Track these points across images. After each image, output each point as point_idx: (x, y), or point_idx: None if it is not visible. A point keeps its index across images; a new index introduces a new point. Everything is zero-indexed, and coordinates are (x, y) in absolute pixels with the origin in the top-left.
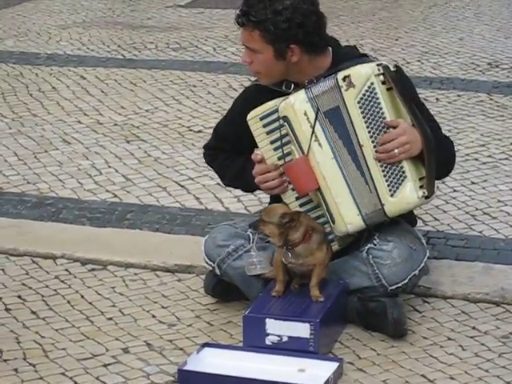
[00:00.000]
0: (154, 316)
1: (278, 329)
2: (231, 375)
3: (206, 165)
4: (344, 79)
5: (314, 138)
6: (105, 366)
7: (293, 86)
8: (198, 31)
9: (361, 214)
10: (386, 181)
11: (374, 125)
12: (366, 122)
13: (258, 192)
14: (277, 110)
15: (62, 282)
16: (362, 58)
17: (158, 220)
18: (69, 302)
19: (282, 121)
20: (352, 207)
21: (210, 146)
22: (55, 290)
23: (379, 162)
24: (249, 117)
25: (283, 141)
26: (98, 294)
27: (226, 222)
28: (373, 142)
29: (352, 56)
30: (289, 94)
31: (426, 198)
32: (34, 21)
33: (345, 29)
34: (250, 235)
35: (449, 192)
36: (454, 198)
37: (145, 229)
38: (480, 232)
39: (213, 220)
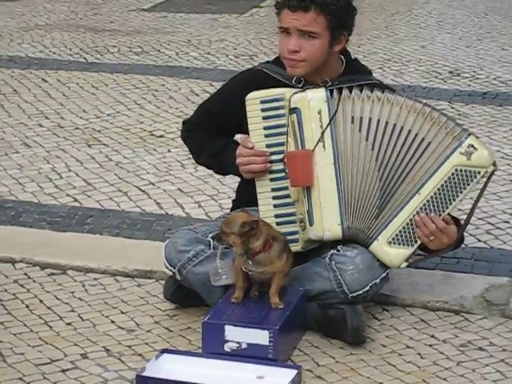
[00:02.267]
0: (113, 321)
1: (237, 335)
2: (190, 382)
3: (166, 170)
4: (469, 146)
5: (320, 139)
6: (63, 371)
7: (303, 81)
8: (161, 35)
9: (342, 225)
10: (400, 231)
11: (445, 197)
12: (441, 186)
13: (218, 198)
14: (281, 99)
15: (21, 286)
16: (370, 77)
17: (118, 225)
18: (27, 306)
19: (287, 111)
20: (335, 216)
21: (190, 122)
22: (14, 295)
23: (414, 223)
24: (249, 96)
25: (279, 130)
26: (57, 298)
27: (187, 227)
28: (433, 201)
29: (362, 70)
30: (293, 87)
31: (398, 267)
32: None
33: None
34: (211, 240)
35: None
36: None
37: (105, 233)
38: None
39: (173, 225)
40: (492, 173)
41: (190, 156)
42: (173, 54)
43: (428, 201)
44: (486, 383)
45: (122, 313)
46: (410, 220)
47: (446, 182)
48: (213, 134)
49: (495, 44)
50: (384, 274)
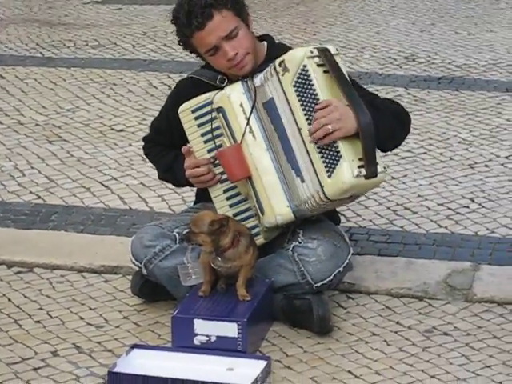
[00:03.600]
0: (81, 318)
1: (206, 329)
2: (161, 376)
3: (128, 164)
4: (280, 64)
5: (248, 130)
6: (35, 369)
7: (226, 80)
8: (117, 28)
9: (290, 206)
10: (324, 162)
11: (310, 107)
12: (302, 105)
13: (181, 191)
14: (210, 103)
15: None
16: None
17: (82, 221)
18: None
19: (215, 112)
20: (282, 199)
21: (146, 139)
22: None
23: (316, 143)
24: (180, 109)
25: (214, 133)
26: (25, 296)
27: (153, 223)
28: (309, 124)
29: (286, 48)
30: (222, 88)
31: (367, 178)
32: None
33: (262, 24)
34: (176, 235)
35: None
36: (375, 194)
37: (70, 230)
38: (401, 227)
39: (137, 220)
40: (323, 52)
41: (148, 160)
42: (129, 47)
43: (307, 119)
44: (451, 368)
45: (91, 309)
46: (318, 147)
47: (300, 99)
48: (167, 148)
49: (449, 28)
50: (347, 261)
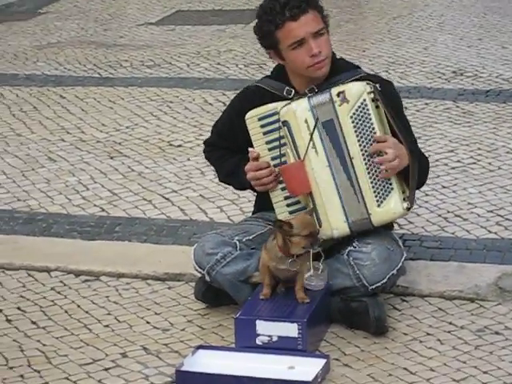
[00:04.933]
0: (148, 322)
1: (267, 329)
2: (226, 374)
3: (187, 177)
4: (338, 95)
5: (311, 145)
6: (106, 369)
7: (293, 92)
8: (171, 48)
9: (347, 221)
10: (374, 192)
11: (365, 139)
12: (357, 136)
13: (239, 202)
14: (277, 113)
15: (58, 293)
16: (358, 70)
17: (145, 231)
18: (66, 311)
19: (281, 124)
20: (340, 214)
21: (208, 143)
22: (52, 301)
23: (368, 173)
24: (247, 116)
25: (279, 142)
26: (94, 303)
27: (213, 231)
28: (363, 154)
29: (348, 67)
30: (288, 99)
31: (408, 209)
32: (10, 42)
33: None
34: (237, 243)
35: (421, 196)
36: (426, 202)
37: (133, 240)
38: (452, 233)
39: (198, 230)
40: (375, 89)
41: (209, 163)
42: (184, 66)
43: (363, 153)
44: (503, 364)
45: (156, 314)
46: (370, 177)
47: (356, 131)
48: (229, 151)
49: (495, 43)
50: (400, 264)
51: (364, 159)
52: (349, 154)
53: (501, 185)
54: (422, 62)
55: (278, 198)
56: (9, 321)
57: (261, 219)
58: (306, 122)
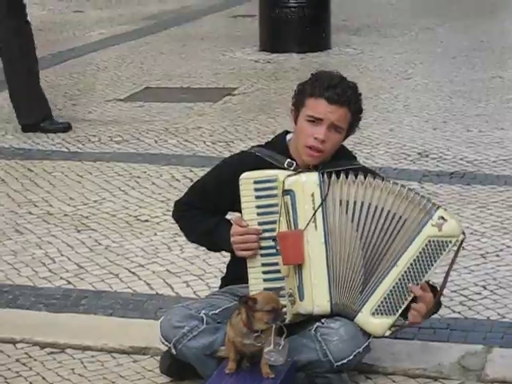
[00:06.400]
0: None
1: None
2: None
3: (154, 252)
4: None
5: (312, 219)
6: None
7: (294, 165)
8: (139, 124)
9: (330, 302)
10: (382, 302)
11: (423, 269)
12: (417, 259)
13: (205, 277)
14: (274, 180)
15: (23, 364)
16: (356, 161)
17: (111, 305)
18: (31, 383)
19: (281, 192)
20: (325, 292)
21: (182, 202)
22: (17, 372)
23: (394, 286)
24: (243, 176)
25: (269, 209)
26: (58, 375)
27: (180, 305)
28: (410, 271)
29: (348, 155)
30: (285, 169)
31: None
32: None
33: (280, 121)
34: (204, 316)
35: None
36: None
37: (99, 313)
38: None
39: (164, 304)
40: (462, 241)
41: (176, 239)
42: (152, 142)
43: (405, 272)
44: None
45: None
46: (391, 291)
47: (420, 252)
48: (205, 212)
49: (460, 126)
50: (366, 344)
51: (405, 271)
52: (395, 261)
53: (465, 265)
54: (387, 143)
55: (255, 263)
56: None
57: (228, 294)
58: (313, 195)
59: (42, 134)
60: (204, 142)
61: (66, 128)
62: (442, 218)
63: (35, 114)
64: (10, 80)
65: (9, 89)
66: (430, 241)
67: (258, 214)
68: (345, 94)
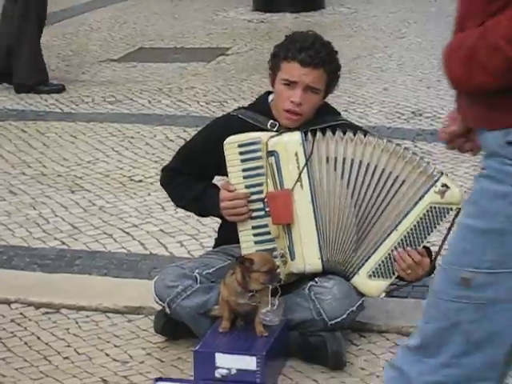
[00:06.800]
0: (107, 354)
1: (226, 362)
2: None
3: (148, 212)
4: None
5: (298, 178)
6: None
7: (277, 125)
8: (133, 84)
9: (321, 259)
10: (379, 265)
11: (422, 235)
12: (418, 223)
13: (199, 237)
14: (259, 142)
15: (18, 324)
16: (340, 117)
17: (105, 265)
18: (26, 343)
19: (265, 154)
20: (315, 250)
21: (170, 168)
22: (12, 333)
23: (392, 257)
24: (227, 141)
25: (255, 172)
26: (53, 335)
27: (174, 264)
28: (409, 236)
29: (332, 111)
30: (268, 130)
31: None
32: None
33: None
34: (197, 276)
35: None
36: None
37: (94, 274)
38: None
39: (158, 264)
40: (460, 209)
41: (169, 199)
42: (145, 103)
43: (405, 236)
44: None
45: (116, 346)
46: (389, 254)
47: (421, 218)
48: (192, 178)
49: None
50: (360, 302)
51: (405, 236)
52: (396, 224)
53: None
54: (381, 102)
55: (245, 226)
56: None
57: (221, 253)
58: (296, 155)
59: (35, 95)
60: (198, 102)
61: (60, 90)
62: (446, 185)
63: (33, 76)
64: (20, 37)
65: (14, 46)
66: (431, 207)
67: (245, 178)
68: (318, 56)
